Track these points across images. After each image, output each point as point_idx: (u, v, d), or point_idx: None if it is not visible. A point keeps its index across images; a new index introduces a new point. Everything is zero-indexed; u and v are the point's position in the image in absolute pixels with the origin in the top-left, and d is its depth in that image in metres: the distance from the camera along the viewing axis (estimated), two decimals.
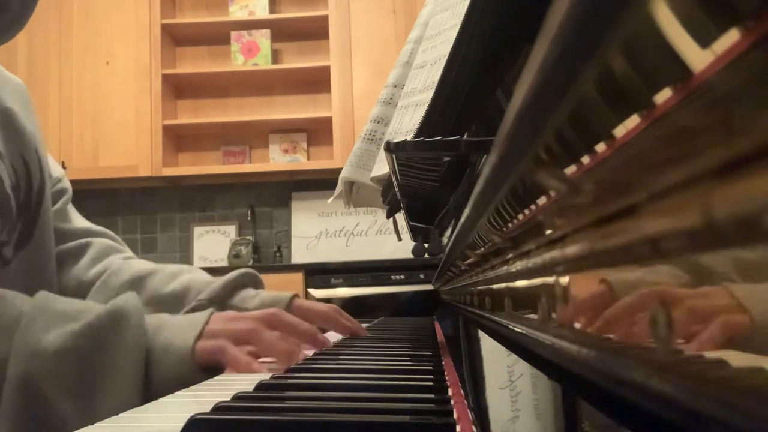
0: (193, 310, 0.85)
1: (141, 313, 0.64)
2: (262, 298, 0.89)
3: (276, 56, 3.27)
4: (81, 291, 0.92)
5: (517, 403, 0.35)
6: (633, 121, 0.13)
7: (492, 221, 0.30)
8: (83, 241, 0.97)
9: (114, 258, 0.97)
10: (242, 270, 0.94)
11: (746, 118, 0.09)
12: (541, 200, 0.22)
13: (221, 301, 0.88)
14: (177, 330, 0.65)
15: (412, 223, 0.79)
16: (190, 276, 0.93)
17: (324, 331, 0.96)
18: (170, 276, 0.93)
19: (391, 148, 0.45)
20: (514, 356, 0.35)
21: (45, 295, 0.64)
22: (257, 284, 0.95)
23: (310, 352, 0.72)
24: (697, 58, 0.10)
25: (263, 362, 0.66)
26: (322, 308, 0.92)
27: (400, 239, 1.03)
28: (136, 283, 0.91)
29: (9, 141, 0.82)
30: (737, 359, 0.11)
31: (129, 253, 1.02)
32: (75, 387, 0.58)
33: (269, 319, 0.70)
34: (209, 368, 0.65)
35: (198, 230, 3.29)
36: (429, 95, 0.49)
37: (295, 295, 0.91)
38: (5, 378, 0.58)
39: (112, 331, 0.61)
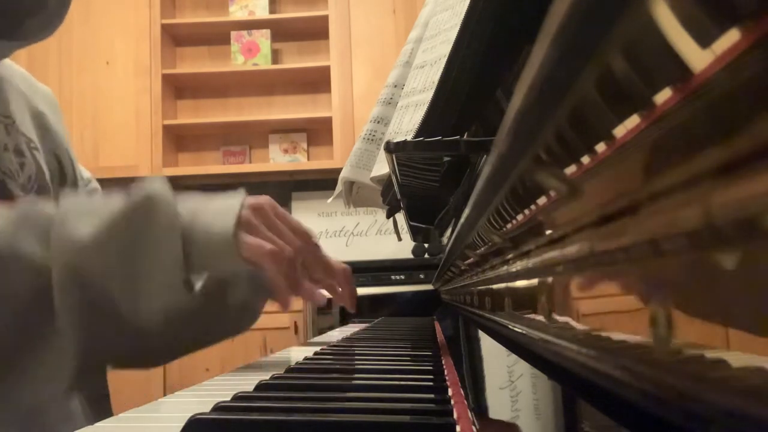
0: None
1: (172, 197, 0.63)
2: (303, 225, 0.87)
3: (276, 56, 3.27)
4: None
5: (517, 403, 0.35)
6: (633, 121, 0.13)
7: (492, 221, 0.30)
8: None
9: None
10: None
11: (746, 118, 0.09)
12: (541, 200, 0.22)
13: None
14: (214, 213, 0.64)
15: (412, 223, 0.79)
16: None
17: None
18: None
19: (391, 148, 0.45)
20: (514, 356, 0.35)
21: (69, 197, 0.65)
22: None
23: (306, 353, 0.72)
24: (697, 58, 0.10)
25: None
26: (340, 266, 0.81)
27: (400, 239, 1.03)
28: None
29: (43, 141, 0.84)
30: (737, 359, 0.11)
31: None
32: (118, 272, 0.59)
33: (306, 244, 0.68)
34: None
35: None
36: (429, 95, 0.49)
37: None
38: (53, 281, 0.58)
39: (145, 214, 0.61)
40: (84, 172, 0.97)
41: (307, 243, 0.69)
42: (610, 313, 0.17)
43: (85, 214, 0.61)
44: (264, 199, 0.67)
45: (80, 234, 0.59)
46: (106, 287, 0.59)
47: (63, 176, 0.85)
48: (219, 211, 0.64)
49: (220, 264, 0.62)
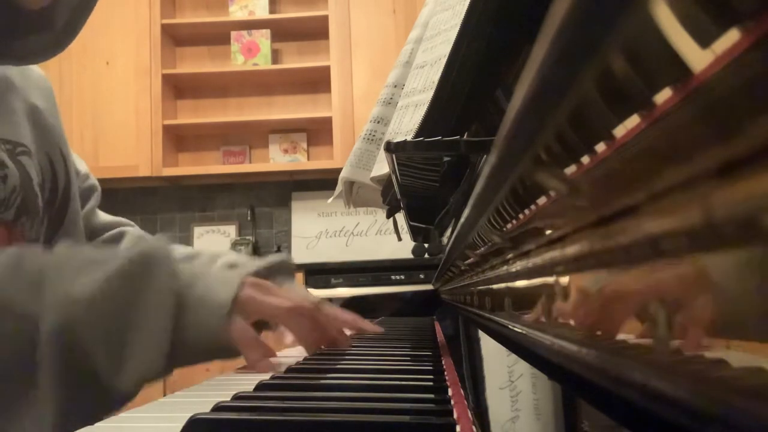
0: None
1: (172, 257, 0.62)
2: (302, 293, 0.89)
3: (276, 56, 3.27)
4: None
5: (517, 403, 0.35)
6: (633, 121, 0.13)
7: (492, 221, 0.30)
8: (117, 231, 0.99)
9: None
10: (281, 257, 0.92)
11: (746, 118, 0.09)
12: (541, 200, 0.22)
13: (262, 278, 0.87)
14: (213, 282, 0.63)
15: (412, 223, 0.79)
16: (231, 257, 0.92)
17: None
18: (214, 256, 0.92)
19: (391, 148, 0.45)
20: (514, 356, 0.35)
21: (67, 245, 0.63)
22: (291, 274, 0.94)
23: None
24: (697, 58, 0.10)
25: (280, 357, 0.66)
26: (347, 317, 0.90)
27: (400, 239, 1.03)
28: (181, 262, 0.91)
29: (36, 139, 0.83)
30: (737, 359, 0.11)
31: None
32: (108, 333, 0.57)
33: (304, 307, 0.68)
34: (234, 350, 0.63)
35: (198, 230, 3.29)
36: (429, 95, 0.49)
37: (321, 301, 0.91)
38: (40, 333, 0.56)
39: (142, 274, 0.59)
40: (80, 166, 0.95)
41: (304, 305, 0.69)
42: (610, 313, 0.17)
43: (83, 267, 0.60)
44: (264, 281, 0.68)
45: (75, 291, 0.57)
46: (91, 348, 0.57)
47: (54, 176, 0.84)
48: (218, 282, 0.63)
49: (210, 332, 0.60)
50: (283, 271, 0.92)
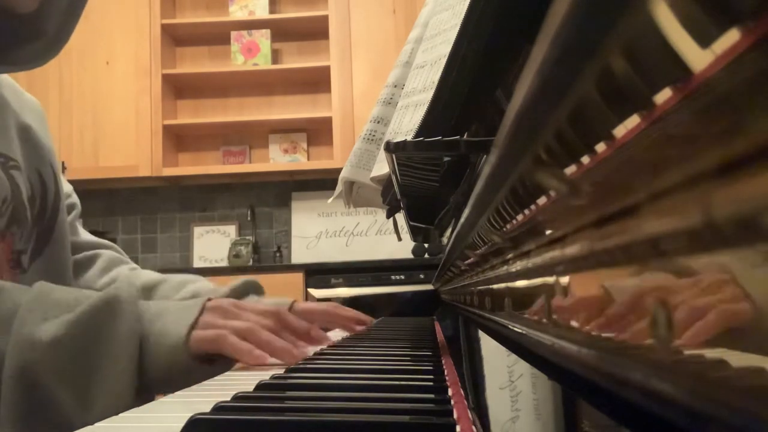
0: None
1: (135, 300, 0.65)
2: (264, 305, 0.91)
3: (276, 56, 3.27)
4: None
5: (517, 403, 0.35)
6: (633, 121, 0.13)
7: (492, 221, 0.30)
8: (91, 252, 1.01)
9: (122, 269, 1.01)
10: (246, 278, 0.97)
11: (746, 118, 0.09)
12: (541, 200, 0.22)
13: None
14: (172, 318, 0.65)
15: (412, 223, 0.79)
16: (197, 285, 0.97)
17: (327, 330, 0.98)
18: (179, 284, 0.96)
19: (391, 148, 0.45)
20: (514, 356, 0.35)
21: (42, 285, 0.65)
22: (259, 292, 0.99)
23: (310, 352, 0.72)
24: (697, 58, 0.10)
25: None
26: (321, 307, 0.96)
27: (400, 239, 1.03)
28: (146, 292, 0.94)
29: (27, 156, 0.86)
30: (737, 359, 0.11)
31: (134, 264, 1.07)
32: (71, 375, 0.59)
33: (266, 316, 0.71)
34: (206, 359, 0.65)
35: (198, 230, 3.29)
36: (429, 95, 0.49)
37: (295, 301, 0.93)
38: (2, 370, 0.58)
39: (106, 318, 0.61)
40: (65, 185, 0.98)
41: (267, 314, 0.71)
42: (610, 313, 0.17)
43: (51, 309, 0.61)
44: (225, 300, 0.71)
45: (40, 333, 0.59)
46: (55, 389, 0.58)
47: (44, 191, 0.87)
48: (178, 315, 0.66)
49: (173, 367, 0.63)
50: (251, 290, 0.95)
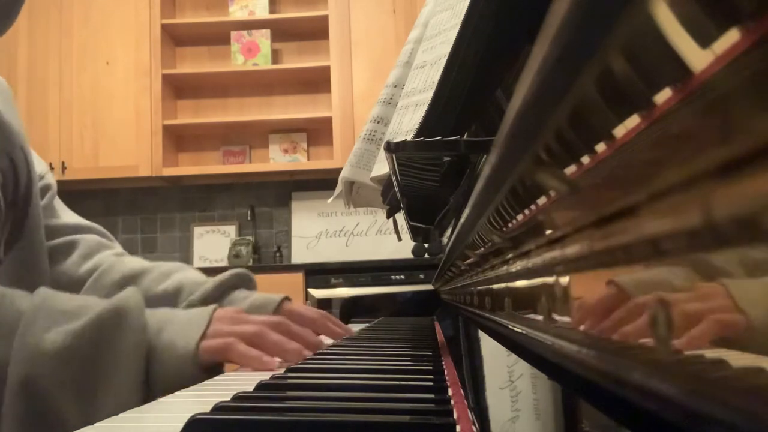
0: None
1: (142, 310, 0.64)
2: (252, 300, 0.90)
3: (276, 56, 3.27)
4: (72, 287, 0.90)
5: (517, 403, 0.35)
6: (633, 121, 0.13)
7: (492, 221, 0.30)
8: (71, 237, 0.95)
9: (105, 255, 0.96)
10: (235, 270, 0.94)
11: (746, 118, 0.09)
12: (541, 200, 0.22)
13: (213, 302, 0.87)
14: (180, 329, 0.64)
15: (412, 223, 0.79)
16: (183, 275, 0.92)
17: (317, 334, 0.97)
18: (162, 275, 0.92)
19: (391, 148, 0.45)
20: (514, 356, 0.35)
21: (45, 292, 0.64)
22: (250, 285, 0.96)
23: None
24: (697, 58, 0.10)
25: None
26: (312, 314, 0.92)
27: (400, 239, 1.03)
28: (128, 281, 0.90)
29: None
30: (737, 359, 0.11)
31: (119, 248, 1.01)
32: (76, 386, 0.58)
33: (274, 324, 0.70)
34: (211, 367, 0.65)
35: (198, 230, 3.29)
36: (429, 95, 0.49)
37: (286, 298, 0.91)
38: (6, 380, 0.58)
39: (113, 329, 0.60)
40: (38, 166, 0.92)
41: (269, 322, 0.71)
42: (609, 313, 0.17)
43: (55, 318, 0.60)
44: (230, 309, 0.70)
45: (45, 343, 0.58)
46: (59, 400, 0.58)
47: (16, 177, 0.82)
48: (186, 325, 0.65)
49: (181, 379, 0.61)
50: (241, 283, 0.93)
